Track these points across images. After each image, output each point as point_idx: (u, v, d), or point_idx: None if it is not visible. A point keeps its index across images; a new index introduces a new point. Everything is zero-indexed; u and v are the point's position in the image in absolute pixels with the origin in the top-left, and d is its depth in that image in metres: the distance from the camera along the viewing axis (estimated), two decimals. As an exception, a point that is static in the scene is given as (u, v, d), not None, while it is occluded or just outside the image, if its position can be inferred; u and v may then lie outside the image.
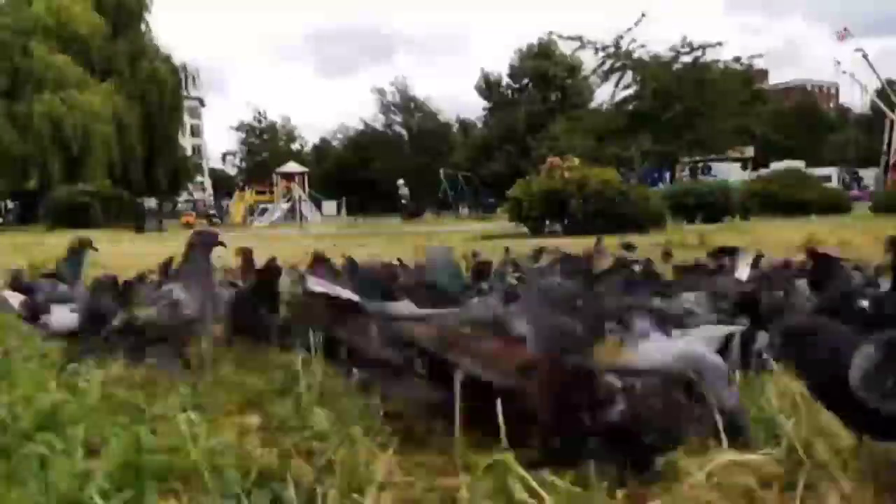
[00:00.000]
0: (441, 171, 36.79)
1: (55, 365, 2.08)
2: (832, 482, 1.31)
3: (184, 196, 46.28)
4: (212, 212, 35.66)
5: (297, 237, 15.06)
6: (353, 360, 2.00)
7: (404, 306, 2.45)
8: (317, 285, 2.11)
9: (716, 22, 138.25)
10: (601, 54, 24.36)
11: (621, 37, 23.73)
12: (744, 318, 2.32)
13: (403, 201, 31.91)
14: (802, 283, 3.06)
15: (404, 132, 57.98)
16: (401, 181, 33.34)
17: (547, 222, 13.88)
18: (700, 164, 31.67)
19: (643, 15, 23.33)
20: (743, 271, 3.54)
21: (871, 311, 2.27)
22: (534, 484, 1.19)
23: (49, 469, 1.22)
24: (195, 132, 67.36)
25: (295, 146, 66.05)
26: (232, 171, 67.80)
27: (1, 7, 35.85)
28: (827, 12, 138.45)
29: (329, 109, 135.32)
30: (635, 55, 24.17)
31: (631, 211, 13.03)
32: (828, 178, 32.62)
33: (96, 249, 3.86)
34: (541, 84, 50.38)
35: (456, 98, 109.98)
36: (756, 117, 25.39)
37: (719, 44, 23.69)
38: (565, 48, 37.36)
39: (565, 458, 1.28)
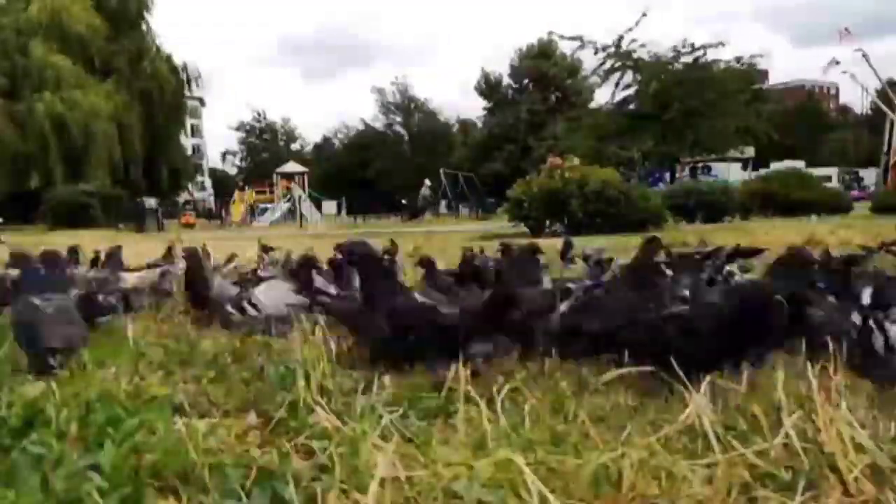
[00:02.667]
0: (441, 171, 36.81)
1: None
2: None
3: (184, 196, 46.28)
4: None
5: (299, 237, 15.06)
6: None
7: None
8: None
9: (683, 32, 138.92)
10: (601, 54, 24.38)
11: (621, 37, 23.75)
12: None
13: (422, 202, 32.33)
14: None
15: (404, 132, 58.01)
16: (427, 181, 33.68)
17: (547, 222, 13.88)
18: (700, 164, 31.65)
19: (644, 14, 23.33)
20: None
21: None
22: (537, 481, 1.19)
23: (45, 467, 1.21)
24: (195, 132, 67.36)
25: (295, 146, 66.10)
26: (232, 171, 67.85)
27: (0, 7, 35.90)
28: (786, 21, 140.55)
29: (330, 109, 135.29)
30: (635, 55, 24.18)
31: (631, 211, 13.04)
32: (828, 178, 32.62)
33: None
34: (541, 84, 50.38)
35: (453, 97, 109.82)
36: (757, 117, 25.38)
37: (721, 44, 23.70)
38: (565, 48, 37.50)
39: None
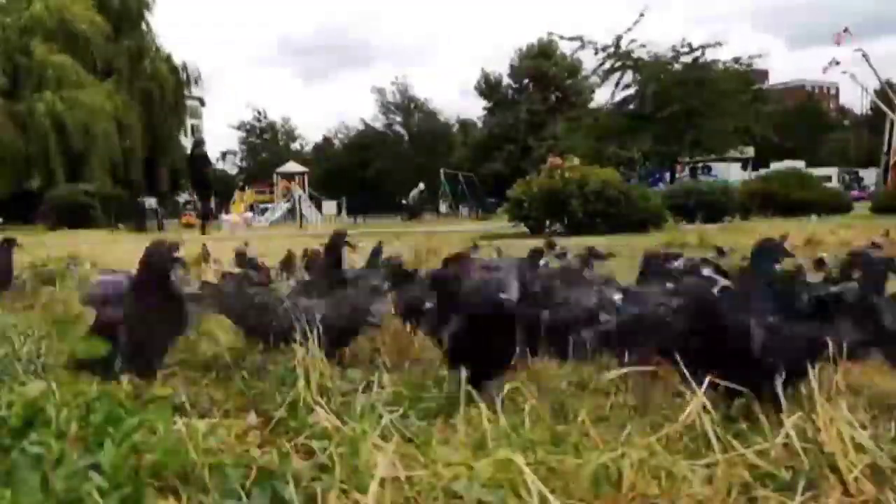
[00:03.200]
0: (441, 171, 36.85)
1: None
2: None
3: (184, 196, 46.24)
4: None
5: (299, 236, 15.05)
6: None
7: None
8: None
9: (682, 32, 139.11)
10: (601, 54, 24.40)
11: (621, 37, 23.77)
12: None
13: (413, 202, 32.40)
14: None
15: (404, 132, 57.98)
16: (421, 185, 33.80)
17: (547, 222, 13.87)
18: (700, 165, 31.66)
19: (642, 15, 23.36)
20: None
21: None
22: (539, 483, 1.19)
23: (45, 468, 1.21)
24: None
25: (295, 146, 66.04)
26: (232, 171, 67.77)
27: (1, 6, 35.90)
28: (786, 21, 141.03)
29: (330, 109, 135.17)
30: (635, 55, 24.20)
31: (631, 211, 13.05)
32: (828, 179, 32.62)
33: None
34: (541, 84, 50.37)
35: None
36: (756, 117, 25.39)
37: (718, 44, 23.72)
38: (565, 48, 37.50)
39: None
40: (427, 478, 1.24)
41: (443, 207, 35.33)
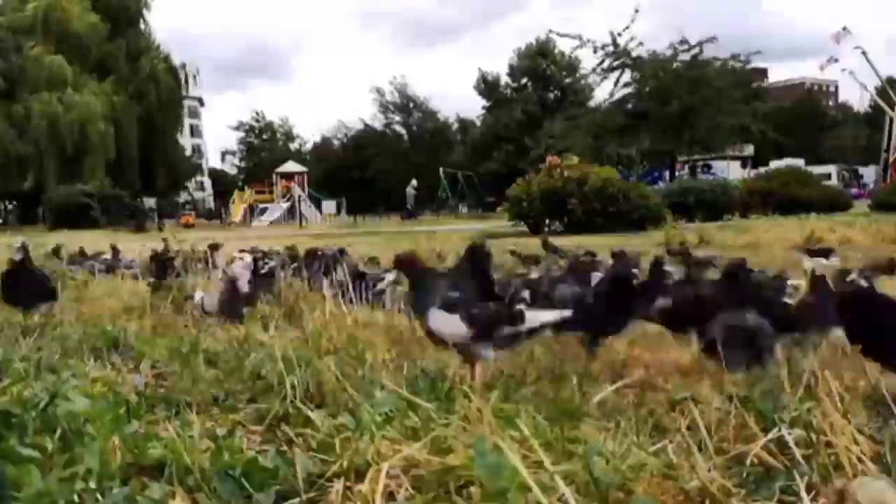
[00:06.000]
0: (440, 170, 36.84)
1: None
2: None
3: (184, 196, 46.24)
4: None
5: (299, 236, 15.04)
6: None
7: None
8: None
9: (680, 28, 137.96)
10: (600, 53, 24.42)
11: (619, 34, 23.79)
12: None
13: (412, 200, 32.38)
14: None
15: (403, 131, 57.89)
16: (414, 181, 33.71)
17: (547, 221, 13.87)
18: (700, 163, 31.69)
19: (636, 11, 23.44)
20: None
21: None
22: (545, 458, 1.19)
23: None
24: (195, 132, 67.20)
25: (294, 145, 65.94)
26: (232, 171, 67.66)
27: (-2, 7, 35.93)
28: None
29: (329, 109, 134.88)
30: (633, 53, 24.23)
31: (631, 209, 13.05)
32: (828, 177, 32.63)
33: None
34: (539, 83, 50.33)
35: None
36: (755, 115, 25.40)
37: (714, 38, 23.75)
38: (564, 46, 37.52)
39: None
40: (429, 467, 1.24)
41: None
